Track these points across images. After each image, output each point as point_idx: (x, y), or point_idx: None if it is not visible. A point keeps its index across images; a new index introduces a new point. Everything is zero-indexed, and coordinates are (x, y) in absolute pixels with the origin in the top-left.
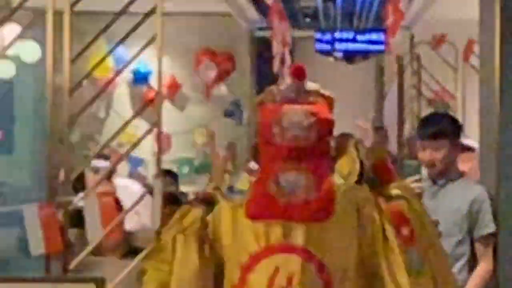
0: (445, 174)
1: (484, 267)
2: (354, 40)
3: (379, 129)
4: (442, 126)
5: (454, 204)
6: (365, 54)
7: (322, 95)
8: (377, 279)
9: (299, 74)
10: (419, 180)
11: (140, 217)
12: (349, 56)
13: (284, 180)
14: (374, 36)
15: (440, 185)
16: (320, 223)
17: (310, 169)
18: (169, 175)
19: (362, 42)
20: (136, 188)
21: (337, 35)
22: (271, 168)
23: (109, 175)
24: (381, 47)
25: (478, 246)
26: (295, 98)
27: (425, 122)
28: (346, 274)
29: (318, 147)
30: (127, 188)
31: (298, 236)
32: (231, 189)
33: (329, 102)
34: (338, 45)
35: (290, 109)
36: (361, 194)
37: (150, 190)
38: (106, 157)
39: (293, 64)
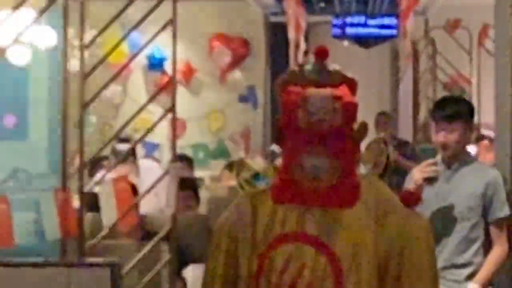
0: (458, 157)
1: (498, 250)
2: (365, 25)
3: (383, 114)
4: (456, 108)
5: (469, 188)
6: (377, 39)
7: (345, 77)
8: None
9: (322, 54)
10: (435, 164)
11: (159, 199)
12: (362, 41)
13: (308, 165)
14: (386, 21)
15: (454, 169)
16: (341, 210)
17: (335, 153)
18: (184, 160)
19: (374, 26)
20: (160, 170)
21: (349, 20)
22: (295, 153)
23: (133, 156)
24: (393, 31)
25: (493, 229)
26: (319, 79)
27: (439, 105)
28: (358, 266)
29: (343, 132)
30: (151, 169)
31: (314, 225)
32: (256, 176)
33: (353, 84)
34: (349, 30)
35: (315, 92)
36: (384, 190)
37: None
38: (127, 140)
39: (307, 49)
